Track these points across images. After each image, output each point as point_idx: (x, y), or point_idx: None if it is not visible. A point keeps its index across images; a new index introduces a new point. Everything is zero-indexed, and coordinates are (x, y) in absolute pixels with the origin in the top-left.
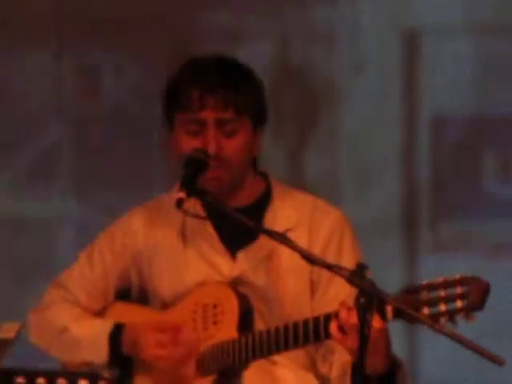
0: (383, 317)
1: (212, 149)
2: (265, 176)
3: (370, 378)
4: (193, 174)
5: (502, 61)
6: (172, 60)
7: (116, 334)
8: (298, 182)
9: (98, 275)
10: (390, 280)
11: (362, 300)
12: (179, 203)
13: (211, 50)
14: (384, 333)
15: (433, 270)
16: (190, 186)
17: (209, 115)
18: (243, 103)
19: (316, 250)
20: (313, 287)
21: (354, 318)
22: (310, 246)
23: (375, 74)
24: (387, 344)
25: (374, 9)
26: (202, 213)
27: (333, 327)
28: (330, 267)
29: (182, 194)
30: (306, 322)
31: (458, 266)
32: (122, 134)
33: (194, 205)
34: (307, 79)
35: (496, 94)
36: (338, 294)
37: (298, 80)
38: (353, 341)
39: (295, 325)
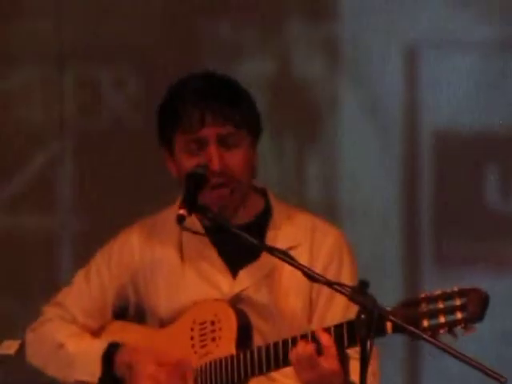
0: (383, 331)
1: (215, 165)
2: (263, 192)
3: None
4: (193, 191)
5: (502, 76)
6: (173, 74)
7: (110, 354)
8: (298, 196)
9: (96, 293)
10: (391, 296)
11: (364, 317)
12: (180, 220)
13: (212, 64)
14: (337, 375)
15: (435, 285)
16: (191, 202)
17: (209, 132)
18: (240, 117)
19: (317, 269)
20: (311, 306)
21: (309, 351)
22: (310, 264)
23: (376, 88)
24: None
25: (375, 24)
26: (201, 229)
27: (292, 355)
28: (331, 284)
29: (182, 211)
30: (314, 334)
31: (460, 282)
32: (123, 147)
33: (192, 222)
34: (308, 94)
35: (497, 110)
36: (338, 315)
37: (298, 95)
38: (307, 374)
39: (294, 340)
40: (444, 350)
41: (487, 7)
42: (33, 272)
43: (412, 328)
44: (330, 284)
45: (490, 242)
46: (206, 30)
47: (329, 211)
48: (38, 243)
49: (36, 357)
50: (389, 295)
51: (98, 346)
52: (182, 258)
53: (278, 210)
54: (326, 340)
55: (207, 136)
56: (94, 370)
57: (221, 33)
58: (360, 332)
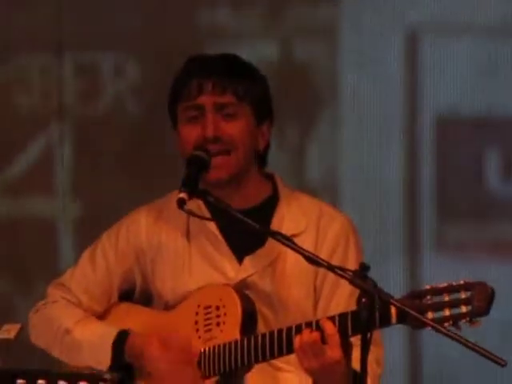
0: (388, 320)
1: (210, 131)
2: (271, 178)
3: None
4: (194, 174)
5: (504, 61)
6: (172, 59)
7: (119, 342)
8: (300, 180)
9: (101, 276)
10: (391, 281)
11: (365, 300)
12: (180, 203)
13: (212, 49)
14: (340, 364)
15: (435, 270)
16: (192, 186)
17: (206, 99)
18: (243, 89)
19: (322, 255)
20: (315, 294)
21: (313, 339)
22: (315, 250)
23: (377, 72)
24: (343, 376)
25: (376, 7)
26: (207, 214)
27: (296, 342)
28: (332, 268)
29: (183, 195)
30: (318, 322)
31: (460, 267)
32: (122, 133)
33: (199, 206)
34: (309, 79)
35: (499, 95)
36: (342, 303)
37: (299, 80)
38: (310, 362)
39: (298, 327)
40: (445, 335)
41: None
42: (32, 256)
43: (414, 313)
44: (331, 268)
45: (491, 227)
46: (206, 16)
47: (329, 196)
48: (37, 228)
49: (40, 339)
50: (389, 282)
51: (107, 334)
52: (188, 242)
53: (285, 195)
54: (330, 328)
55: (205, 103)
56: (104, 358)
57: (221, 18)
58: (361, 315)
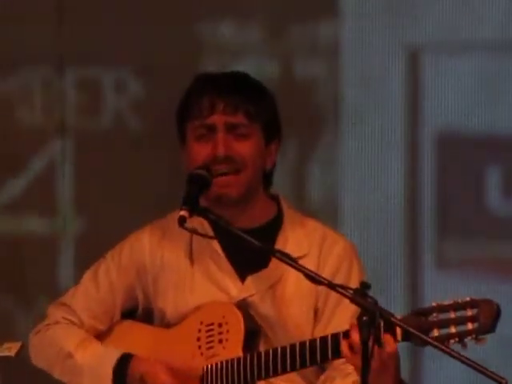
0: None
1: (221, 150)
2: (276, 199)
3: None
4: (195, 192)
5: (505, 78)
6: (173, 75)
7: (121, 366)
8: (300, 199)
9: (104, 294)
10: (393, 298)
11: (365, 318)
12: (181, 221)
13: (213, 65)
14: (395, 355)
15: (436, 288)
16: (193, 203)
17: (218, 119)
18: (254, 110)
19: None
20: (316, 315)
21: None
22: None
23: (378, 90)
24: (397, 367)
25: (377, 25)
26: (210, 233)
27: (344, 346)
28: (333, 287)
29: (183, 212)
30: (313, 342)
31: (462, 285)
32: (123, 148)
33: (202, 224)
34: (310, 95)
35: (500, 112)
36: (341, 325)
37: (300, 96)
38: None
39: (302, 344)
40: (446, 353)
41: (490, 8)
42: (33, 273)
43: (415, 331)
44: (332, 286)
45: (492, 245)
46: (208, 32)
47: (330, 213)
48: (38, 244)
49: (41, 360)
50: (390, 298)
51: (109, 359)
52: (191, 261)
53: (290, 217)
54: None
55: (216, 123)
56: (105, 382)
57: (222, 34)
58: (362, 333)
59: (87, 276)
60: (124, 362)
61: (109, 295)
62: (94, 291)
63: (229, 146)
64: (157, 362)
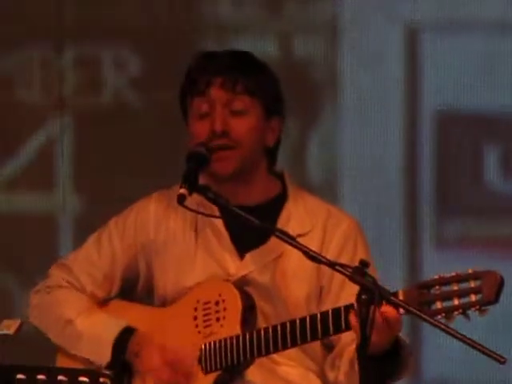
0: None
1: (218, 126)
2: (281, 177)
3: (374, 357)
4: (194, 170)
5: (504, 57)
6: (172, 53)
7: (123, 340)
8: (300, 176)
9: (106, 261)
10: (392, 277)
11: (364, 297)
12: (181, 199)
13: (211, 43)
14: (399, 322)
15: (435, 267)
16: (192, 181)
17: (216, 93)
18: (253, 85)
19: (329, 256)
20: (322, 293)
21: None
22: (322, 251)
23: (377, 68)
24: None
25: (376, 3)
26: (214, 209)
27: (353, 318)
28: (333, 265)
29: (183, 191)
30: (324, 314)
31: (460, 263)
32: (123, 126)
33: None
34: (308, 75)
35: (498, 91)
36: (351, 299)
37: (299, 75)
38: (378, 335)
39: (302, 321)
40: (444, 331)
41: None
42: (32, 251)
43: (412, 308)
44: (331, 265)
45: (490, 223)
46: (206, 10)
47: (329, 192)
48: (37, 222)
49: (40, 321)
50: (389, 278)
51: (110, 329)
52: (196, 234)
53: (294, 195)
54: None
55: (215, 98)
56: (104, 354)
57: (221, 12)
58: (361, 312)
59: (90, 240)
60: (126, 334)
61: (110, 263)
62: (96, 257)
63: (226, 121)
64: (155, 344)
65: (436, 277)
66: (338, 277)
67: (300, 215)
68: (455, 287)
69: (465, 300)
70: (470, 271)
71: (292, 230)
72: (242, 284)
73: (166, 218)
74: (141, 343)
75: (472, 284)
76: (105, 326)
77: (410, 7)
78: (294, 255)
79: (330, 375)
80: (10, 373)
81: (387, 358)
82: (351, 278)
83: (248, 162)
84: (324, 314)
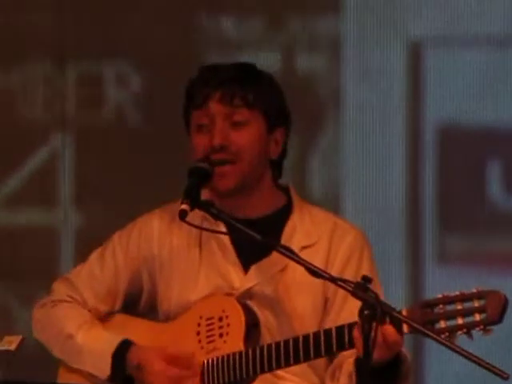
0: (400, 331)
1: (217, 140)
2: (286, 190)
3: (373, 369)
4: (196, 185)
5: (506, 72)
6: (174, 70)
7: (121, 352)
8: (301, 192)
9: (109, 276)
10: (394, 293)
11: (366, 312)
12: (182, 215)
13: (214, 59)
14: (398, 344)
15: (437, 283)
16: (194, 197)
17: (215, 107)
18: (252, 96)
19: (335, 268)
20: (327, 305)
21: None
22: (328, 263)
23: (380, 84)
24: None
25: (379, 19)
26: (220, 223)
27: (356, 336)
28: (334, 280)
29: (184, 206)
30: (327, 332)
31: (462, 278)
32: (124, 143)
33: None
34: (311, 89)
35: (501, 106)
36: (352, 315)
37: (301, 89)
38: (377, 352)
39: (306, 338)
40: (447, 347)
41: (492, 2)
42: (34, 266)
43: (415, 324)
44: (333, 280)
45: (492, 238)
46: (209, 25)
47: (331, 208)
48: (38, 238)
49: (42, 336)
50: (391, 292)
51: (110, 343)
52: (200, 247)
53: (299, 207)
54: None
55: (214, 112)
56: (104, 367)
57: (223, 27)
58: (363, 328)
59: (94, 256)
60: (124, 348)
61: (113, 278)
62: (98, 272)
63: (225, 135)
64: (154, 350)
65: (440, 296)
66: (342, 291)
67: (306, 227)
68: (459, 306)
69: (469, 319)
70: (474, 290)
71: (297, 241)
72: (246, 297)
73: (170, 234)
74: (139, 353)
75: (476, 303)
76: (104, 339)
77: (412, 23)
78: (299, 267)
79: None
80: None
81: (386, 372)
82: (353, 294)
83: (250, 175)
84: (327, 332)
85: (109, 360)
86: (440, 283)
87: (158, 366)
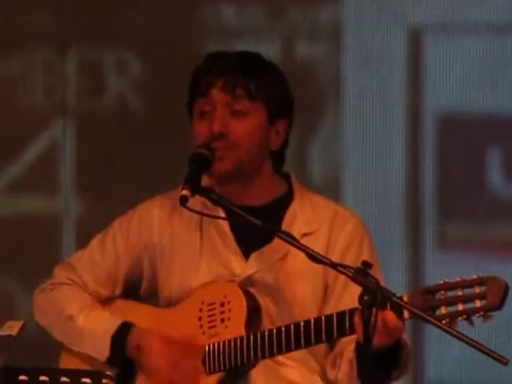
0: (400, 317)
1: (216, 127)
2: (287, 177)
3: (373, 355)
4: (197, 172)
5: (507, 59)
6: (174, 57)
7: (121, 334)
8: (301, 179)
9: (109, 262)
10: (394, 280)
11: (366, 298)
12: (183, 201)
13: (214, 47)
14: (398, 329)
15: (437, 269)
16: (194, 183)
17: (217, 95)
18: (255, 86)
19: (335, 255)
20: (327, 292)
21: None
22: (328, 250)
23: (380, 71)
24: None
25: (378, 6)
26: (219, 210)
27: (357, 321)
28: (334, 266)
29: (185, 192)
30: (328, 318)
31: (462, 265)
32: (125, 130)
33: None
34: (311, 77)
35: (501, 93)
36: (352, 301)
37: (302, 77)
38: (377, 338)
39: (306, 323)
40: (448, 332)
41: None
42: (35, 254)
43: (414, 309)
44: (333, 265)
45: (492, 225)
46: (209, 13)
47: (331, 195)
48: (39, 225)
49: (44, 319)
50: (391, 279)
51: (110, 325)
52: (200, 233)
53: (300, 195)
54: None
55: (216, 100)
56: (103, 349)
57: (223, 15)
58: (364, 313)
59: (95, 242)
60: (124, 330)
61: (113, 264)
62: (99, 258)
63: (224, 122)
64: (154, 332)
65: (441, 282)
66: (343, 276)
67: (306, 214)
68: (460, 293)
69: (469, 306)
70: (475, 277)
71: (298, 229)
72: (247, 284)
73: (171, 221)
74: (139, 335)
75: (477, 290)
76: (104, 322)
77: (412, 10)
78: (300, 254)
79: (331, 374)
80: (13, 374)
81: (387, 357)
82: (353, 279)
83: (248, 163)
84: (329, 318)
85: (108, 341)
86: (440, 270)
87: (156, 347)
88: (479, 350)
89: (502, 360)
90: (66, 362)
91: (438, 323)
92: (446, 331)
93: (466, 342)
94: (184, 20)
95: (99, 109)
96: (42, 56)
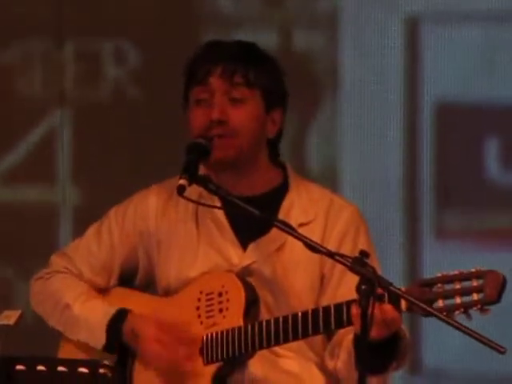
0: (398, 308)
1: (216, 114)
2: (283, 167)
3: (372, 346)
4: (194, 161)
5: (504, 48)
6: (172, 46)
7: (117, 321)
8: (299, 170)
9: (105, 251)
10: (392, 268)
11: (364, 287)
12: (180, 190)
13: (212, 36)
14: (397, 321)
15: (435, 258)
16: (192, 172)
17: (216, 82)
18: (253, 75)
19: (331, 244)
20: (323, 282)
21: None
22: (324, 239)
23: (377, 61)
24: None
25: None
26: (215, 200)
27: (354, 312)
28: (332, 255)
29: (182, 181)
30: (326, 309)
31: (460, 255)
32: (122, 120)
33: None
34: (308, 67)
35: (499, 82)
36: (350, 291)
37: (299, 67)
38: (375, 330)
39: (304, 314)
40: (445, 322)
41: None
42: (33, 243)
43: (412, 299)
44: (330, 255)
45: (490, 214)
46: (207, 2)
47: (329, 185)
48: (37, 215)
49: (40, 308)
50: (389, 268)
51: (106, 312)
52: (197, 225)
53: (296, 184)
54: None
55: (214, 87)
56: (99, 336)
57: (221, 4)
58: (361, 302)
59: (91, 231)
60: (119, 317)
61: (109, 253)
62: (95, 247)
63: (224, 110)
64: (149, 318)
65: (438, 275)
66: (340, 265)
67: (303, 204)
68: (457, 285)
69: (467, 299)
70: (473, 270)
71: (294, 219)
72: (244, 274)
73: (167, 211)
74: (135, 320)
75: (474, 283)
76: (100, 309)
77: None
78: (297, 245)
79: (330, 363)
80: (10, 364)
81: (385, 349)
82: (351, 269)
83: (247, 151)
84: (326, 309)
85: (104, 329)
86: (438, 259)
87: (151, 331)
88: (476, 339)
89: (498, 349)
90: (65, 351)
91: (435, 312)
92: (444, 320)
93: (464, 331)
94: (182, 9)
95: (97, 98)
96: (40, 45)
